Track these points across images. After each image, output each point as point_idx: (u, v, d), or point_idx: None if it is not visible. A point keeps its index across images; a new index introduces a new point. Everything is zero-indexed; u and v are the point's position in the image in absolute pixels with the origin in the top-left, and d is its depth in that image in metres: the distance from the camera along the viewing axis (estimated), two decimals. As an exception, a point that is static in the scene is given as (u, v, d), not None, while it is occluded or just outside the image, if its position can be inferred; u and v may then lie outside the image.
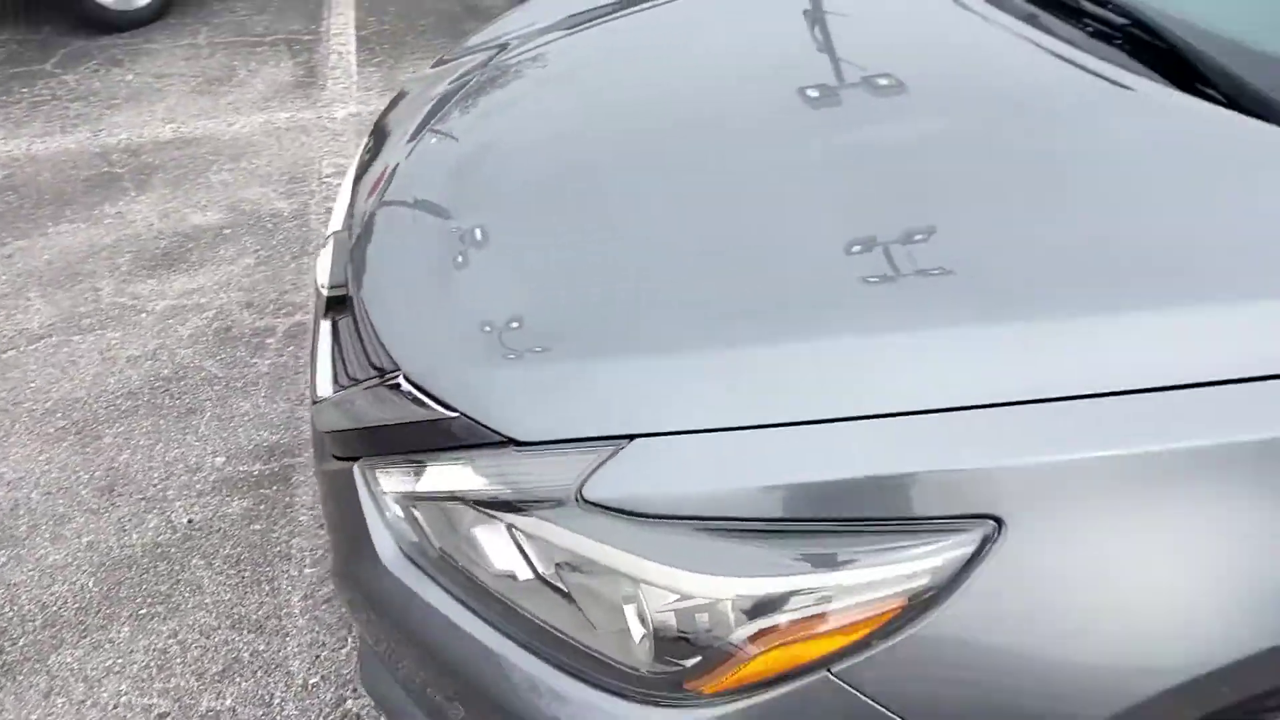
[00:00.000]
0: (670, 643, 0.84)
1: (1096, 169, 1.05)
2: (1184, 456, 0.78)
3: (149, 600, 1.75)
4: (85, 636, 1.69)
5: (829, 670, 0.81)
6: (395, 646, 1.13)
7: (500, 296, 1.11)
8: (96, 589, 1.77)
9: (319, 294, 1.39)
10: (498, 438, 0.96)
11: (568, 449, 0.91)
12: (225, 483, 2.00)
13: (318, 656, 1.65)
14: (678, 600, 0.83)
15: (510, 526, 0.95)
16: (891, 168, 1.12)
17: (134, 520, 1.91)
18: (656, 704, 0.86)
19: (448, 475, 1.01)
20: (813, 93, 1.31)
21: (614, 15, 1.72)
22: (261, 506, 1.94)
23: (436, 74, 1.82)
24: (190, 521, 1.91)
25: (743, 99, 1.35)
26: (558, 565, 0.92)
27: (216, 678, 1.61)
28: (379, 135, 1.68)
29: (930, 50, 1.38)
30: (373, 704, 1.54)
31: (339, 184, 3.12)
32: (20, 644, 1.68)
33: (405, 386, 1.08)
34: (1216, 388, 0.80)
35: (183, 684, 1.60)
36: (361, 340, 1.23)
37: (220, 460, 2.06)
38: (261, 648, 1.66)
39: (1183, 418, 0.79)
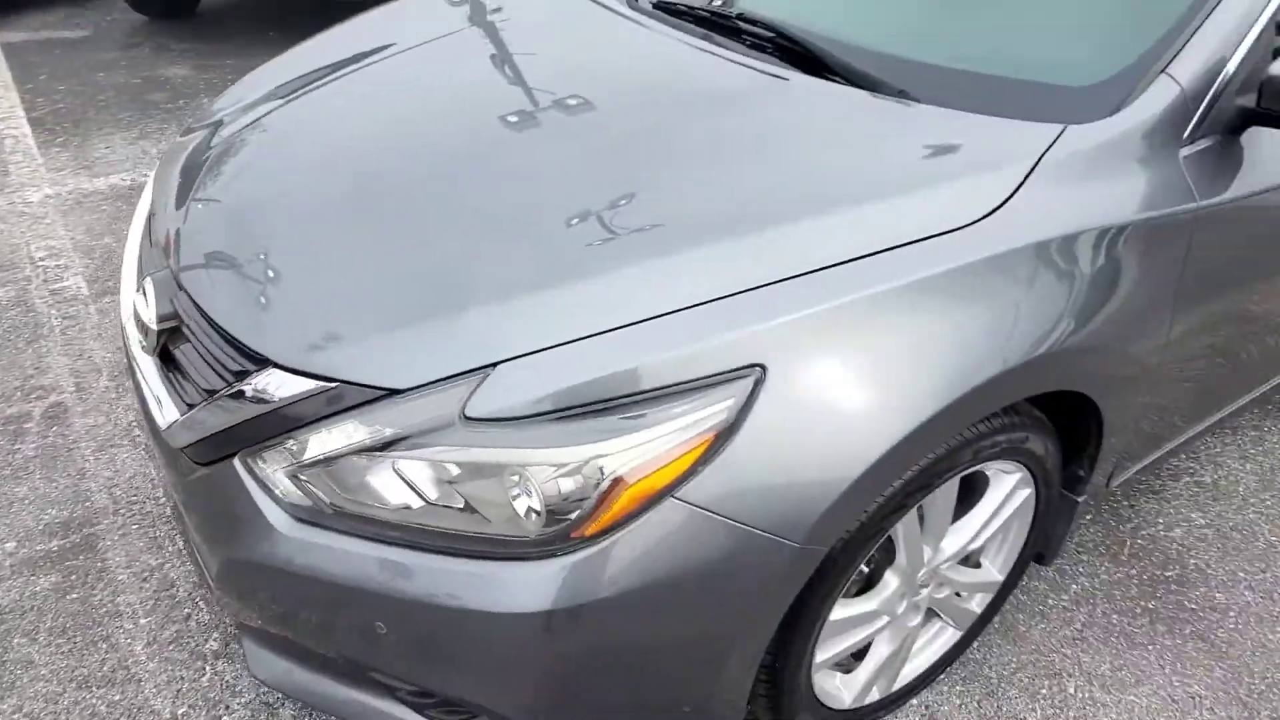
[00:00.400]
0: (556, 505, 1.12)
1: (770, 132, 1.48)
2: (862, 303, 1.19)
3: (-26, 688, 1.70)
4: (-90, 740, 1.61)
5: (673, 495, 1.13)
6: (303, 606, 1.29)
7: (335, 288, 1.33)
8: (-94, 694, 1.69)
9: (145, 332, 1.50)
10: (378, 392, 1.18)
11: (445, 385, 1.16)
12: (24, 564, 1.95)
13: (179, 690, 1.71)
14: (555, 471, 1.12)
15: (395, 464, 1.18)
16: (615, 156, 1.47)
17: (-74, 622, 1.82)
18: (554, 555, 1.14)
19: (333, 438, 1.21)
20: (542, 111, 1.65)
21: (336, 76, 1.94)
22: (73, 577, 1.92)
23: (187, 141, 1.92)
24: (-4, 608, 1.85)
25: (481, 126, 1.64)
26: (450, 482, 1.16)
27: (78, 735, 1.62)
28: (156, 196, 1.78)
29: (634, 64, 1.77)
30: (255, 700, 1.64)
31: (57, 265, 3.01)
32: None
33: (273, 378, 1.26)
34: (868, 259, 1.23)
35: (42, 750, 1.59)
36: (207, 358, 1.38)
37: (11, 545, 2.00)
38: (117, 697, 1.69)
39: (854, 280, 1.20)
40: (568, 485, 1.12)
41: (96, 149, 3.82)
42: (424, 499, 1.19)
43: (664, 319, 1.17)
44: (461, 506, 1.17)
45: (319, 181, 1.58)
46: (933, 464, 1.30)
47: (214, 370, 1.37)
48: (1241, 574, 2.02)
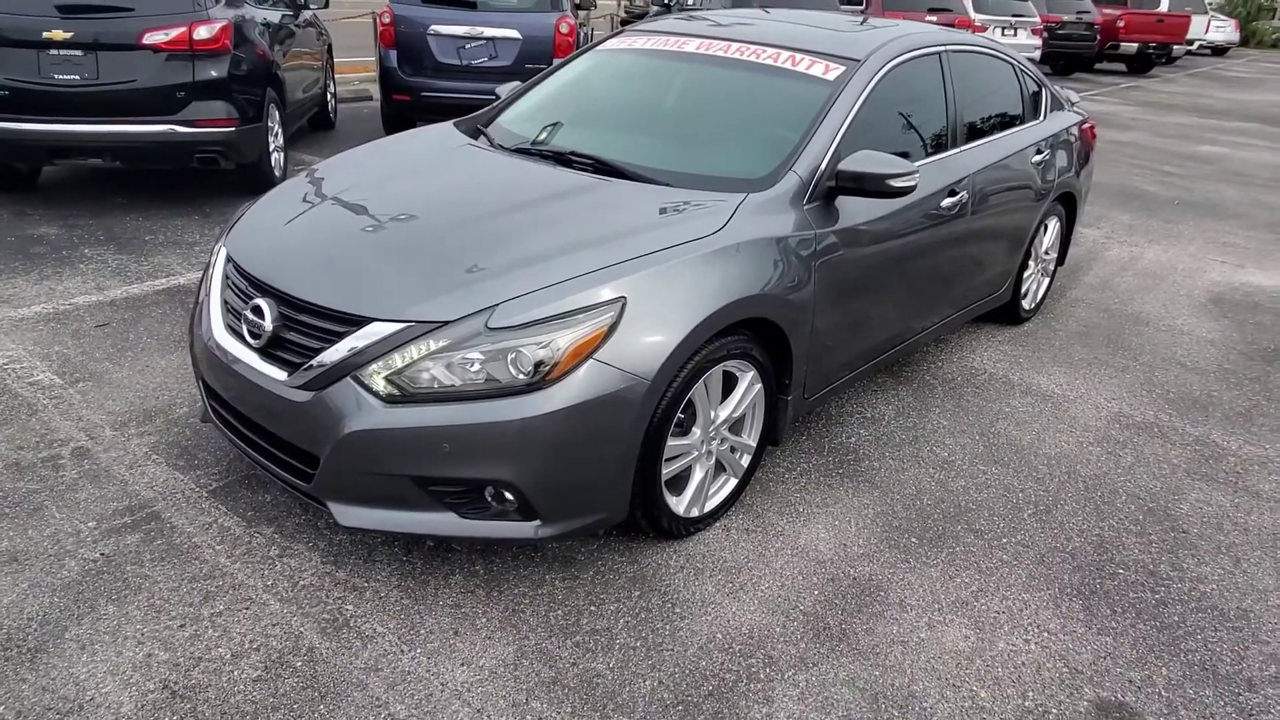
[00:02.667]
0: (539, 365, 2.32)
1: (600, 201, 2.83)
2: (663, 270, 2.53)
3: (119, 586, 2.51)
4: (115, 603, 2.41)
5: (592, 357, 2.37)
6: (396, 450, 2.35)
7: (393, 276, 2.48)
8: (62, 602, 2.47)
9: (256, 335, 2.53)
10: (436, 324, 2.35)
11: (472, 317, 2.35)
12: (109, 532, 2.76)
13: (261, 573, 2.61)
14: (541, 348, 2.33)
15: (446, 362, 2.33)
16: (518, 212, 2.76)
17: (51, 568, 2.60)
18: (538, 389, 2.32)
19: (408, 353, 2.34)
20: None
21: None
22: (152, 533, 2.77)
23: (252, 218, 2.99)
24: (103, 554, 2.66)
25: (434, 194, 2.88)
26: (482, 363, 2.33)
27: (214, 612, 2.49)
28: (244, 246, 2.82)
29: (499, 178, 3.08)
30: (319, 567, 2.60)
31: (22, 366, 3.74)
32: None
33: (371, 328, 2.38)
34: (663, 250, 2.58)
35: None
36: (309, 330, 2.46)
37: (91, 524, 2.80)
38: (219, 584, 2.57)
39: (657, 260, 2.54)
40: (541, 354, 2.33)
41: (4, 292, 4.52)
42: (461, 377, 2.34)
43: (574, 279, 2.44)
44: (486, 377, 2.33)
45: (360, 223, 2.74)
46: (705, 352, 2.62)
47: (316, 335, 2.45)
48: (889, 455, 3.49)
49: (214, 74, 5.60)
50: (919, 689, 2.37)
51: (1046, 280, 5.07)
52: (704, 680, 2.35)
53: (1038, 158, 4.43)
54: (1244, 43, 29.75)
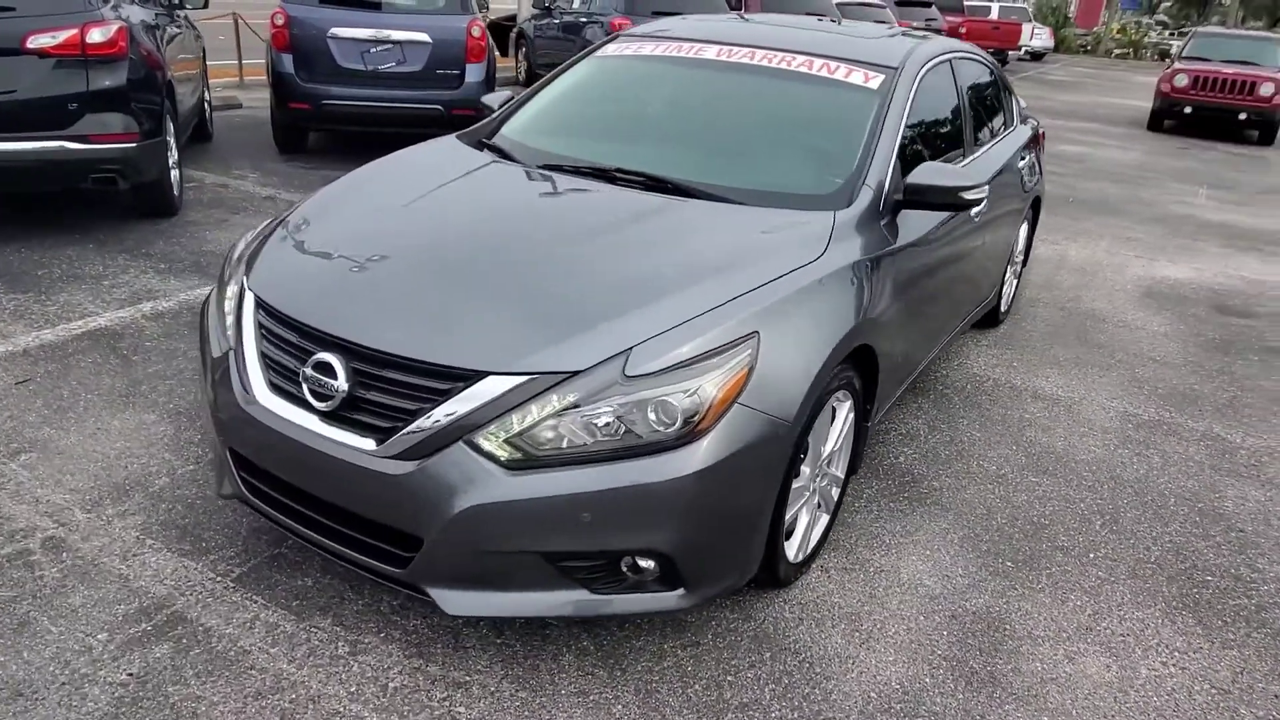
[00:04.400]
0: (690, 413, 2.04)
1: (673, 235, 2.56)
2: (786, 299, 2.31)
3: (168, 717, 2.04)
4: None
5: (738, 402, 2.11)
6: (522, 524, 2.01)
7: (506, 320, 2.14)
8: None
9: (325, 397, 2.12)
10: (563, 375, 2.03)
11: (605, 365, 2.04)
12: (129, 644, 2.27)
13: (332, 674, 2.20)
14: (688, 396, 2.05)
15: (578, 416, 2.01)
16: (627, 246, 2.47)
17: (71, 701, 2.09)
18: (688, 444, 2.04)
19: (533, 411, 2.01)
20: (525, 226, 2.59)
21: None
22: (183, 641, 2.29)
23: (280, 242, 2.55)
24: (131, 675, 2.17)
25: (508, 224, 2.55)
26: (619, 417, 2.03)
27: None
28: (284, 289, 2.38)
29: (588, 200, 2.77)
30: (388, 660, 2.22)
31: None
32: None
33: (485, 384, 2.03)
34: (781, 278, 2.35)
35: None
36: (399, 389, 2.09)
37: (103, 636, 2.29)
38: (289, 697, 2.14)
39: (778, 289, 2.31)
40: (688, 403, 2.06)
41: (-120, 343, 3.75)
42: (595, 435, 2.03)
43: (705, 315, 2.18)
44: (623, 432, 2.03)
45: (419, 257, 2.37)
46: (827, 385, 2.41)
47: (409, 394, 2.08)
48: (942, 473, 3.39)
49: (111, 82, 4.90)
50: (1092, 730, 2.26)
51: (1015, 282, 5.17)
52: (879, 749, 2.15)
53: (1022, 162, 4.49)
54: (1055, 48, 32.33)
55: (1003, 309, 4.94)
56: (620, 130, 3.33)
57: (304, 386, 2.20)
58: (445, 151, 3.27)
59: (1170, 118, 14.01)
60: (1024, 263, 5.28)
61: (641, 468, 2.03)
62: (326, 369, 2.16)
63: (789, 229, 2.61)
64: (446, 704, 2.17)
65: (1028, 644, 2.53)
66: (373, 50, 7.20)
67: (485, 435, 2.03)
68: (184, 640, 2.29)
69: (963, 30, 20.49)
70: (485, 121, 3.55)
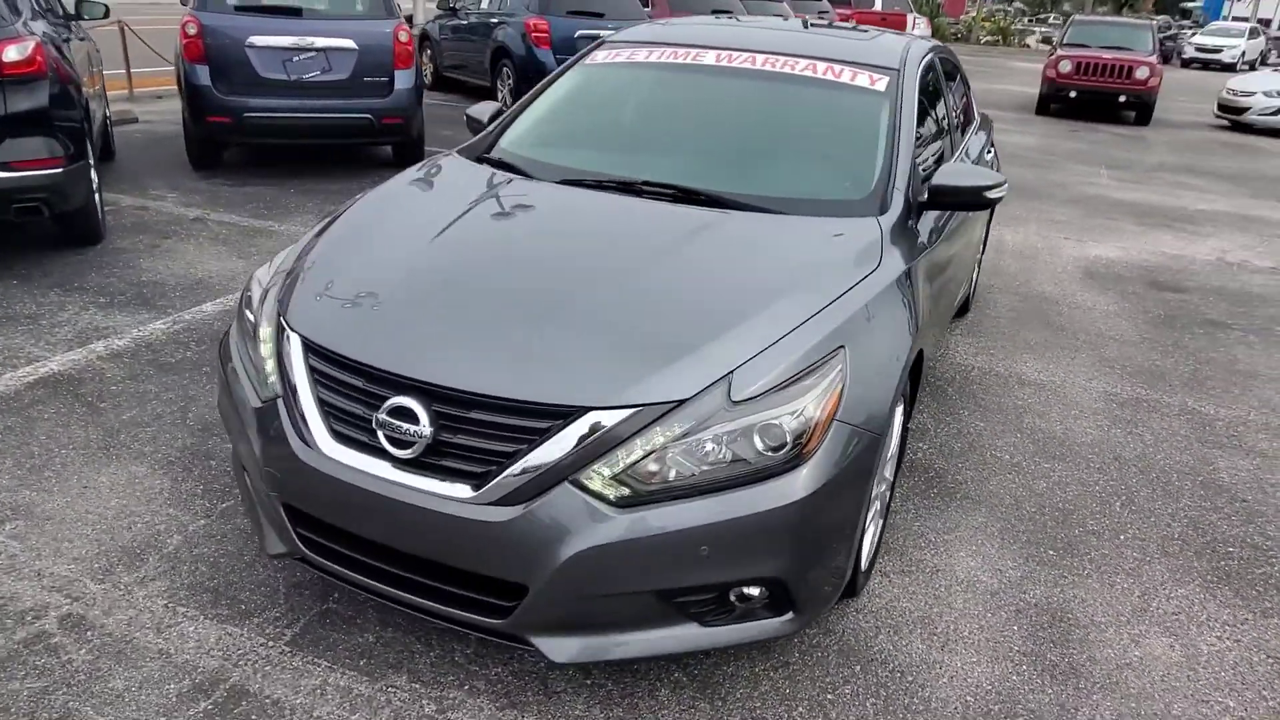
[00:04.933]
0: (797, 434, 1.99)
1: (733, 250, 2.51)
2: (862, 309, 2.28)
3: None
4: None
5: (838, 420, 2.08)
6: (636, 563, 1.93)
7: (599, 350, 2.04)
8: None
9: (405, 445, 1.98)
10: (669, 405, 1.95)
11: (709, 391, 1.98)
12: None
13: (434, 743, 2.07)
14: (794, 417, 2.00)
15: (685, 446, 1.94)
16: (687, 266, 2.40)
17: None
18: (796, 467, 1.99)
19: (640, 444, 1.93)
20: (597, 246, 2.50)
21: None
22: (252, 717, 2.11)
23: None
24: (206, 761, 1.99)
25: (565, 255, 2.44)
26: (727, 444, 1.96)
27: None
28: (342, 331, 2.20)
29: (621, 215, 2.68)
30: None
31: None
32: None
33: (587, 419, 1.93)
34: (853, 288, 2.33)
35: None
36: (489, 430, 1.97)
37: (161, 720, 2.09)
38: None
39: (851, 299, 2.29)
40: (795, 424, 2.01)
41: None
42: (703, 465, 1.96)
43: (795, 332, 2.14)
44: (731, 459, 1.97)
45: (477, 287, 2.26)
46: (901, 395, 2.41)
47: (502, 436, 1.96)
48: (962, 466, 3.45)
49: (31, 104, 4.49)
50: (1178, 710, 2.32)
51: (977, 269, 5.32)
52: (990, 753, 2.15)
53: (990, 154, 4.61)
54: (932, 37, 33.62)
55: (971, 296, 5.08)
56: (635, 140, 3.25)
57: (379, 434, 2.04)
58: (456, 171, 3.12)
59: (1056, 101, 14.74)
60: (983, 250, 5.45)
61: (754, 496, 1.97)
62: (405, 414, 2.01)
63: (843, 239, 2.59)
64: (556, 756, 2.07)
65: (1093, 631, 2.59)
66: (295, 59, 6.86)
67: (591, 474, 1.93)
68: (253, 716, 2.11)
69: (853, 22, 21.04)
70: (482, 135, 3.40)
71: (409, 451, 2.02)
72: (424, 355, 2.09)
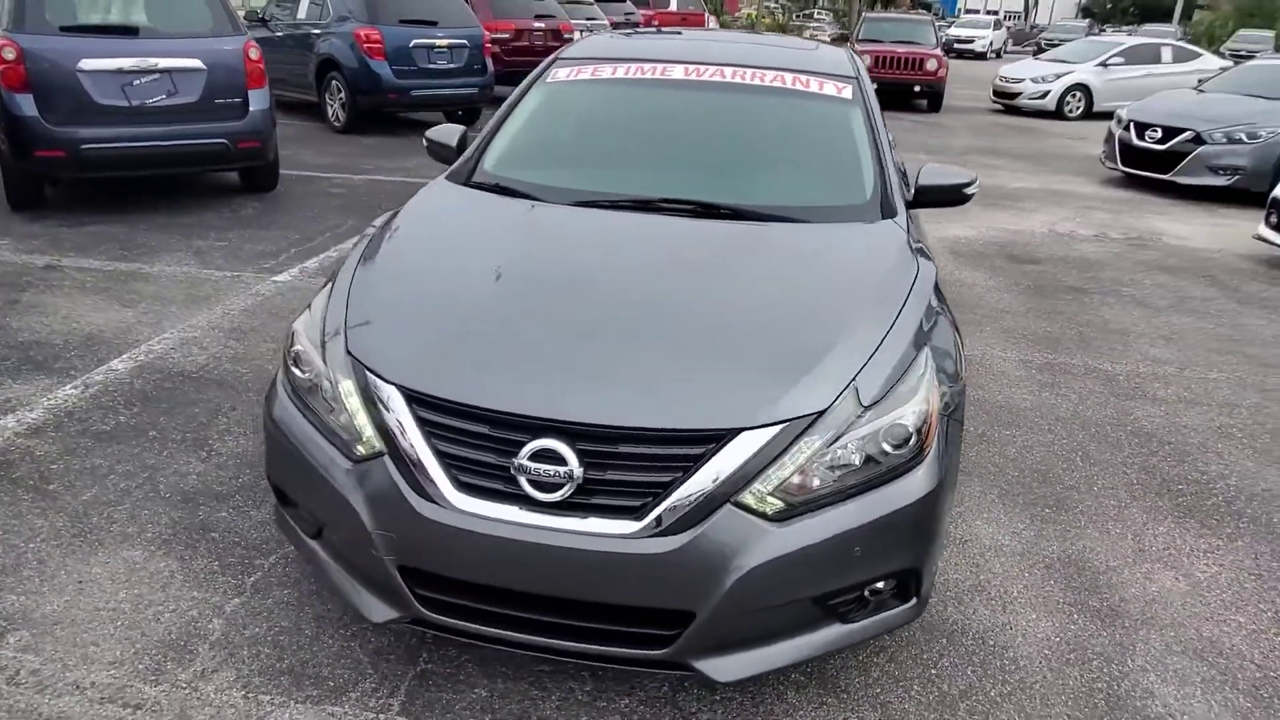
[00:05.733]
0: (918, 431, 2.12)
1: (785, 261, 2.62)
2: (925, 314, 2.45)
3: None
4: None
5: (946, 416, 2.23)
6: (794, 574, 1.98)
7: (732, 373, 2.08)
8: None
9: (553, 488, 1.94)
10: (811, 417, 2.03)
11: (843, 399, 2.07)
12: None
13: None
14: (915, 415, 2.12)
15: (829, 454, 2.02)
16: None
17: None
18: (920, 463, 2.12)
19: (792, 458, 1.99)
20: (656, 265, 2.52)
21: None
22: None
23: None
24: None
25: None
26: (860, 449, 2.06)
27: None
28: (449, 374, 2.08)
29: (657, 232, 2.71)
30: None
31: None
32: None
33: (739, 441, 1.97)
34: (912, 296, 2.49)
35: None
36: (642, 463, 1.97)
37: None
38: None
39: (914, 307, 2.45)
40: (915, 422, 2.14)
41: None
42: (842, 470, 2.05)
43: (891, 335, 2.26)
44: (864, 461, 2.07)
45: (568, 317, 2.26)
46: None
47: (654, 466, 1.97)
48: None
49: None
50: (1206, 632, 2.66)
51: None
52: (1100, 697, 2.38)
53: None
54: (719, 34, 35.13)
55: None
56: (636, 157, 3.26)
57: (520, 480, 1.98)
58: (467, 200, 3.01)
59: (858, 93, 15.85)
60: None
61: (890, 492, 2.08)
62: (550, 457, 1.97)
63: (880, 245, 2.75)
64: (724, 775, 2.09)
65: (1114, 575, 2.91)
66: (136, 82, 6.26)
67: (750, 493, 1.97)
68: (403, 795, 1.99)
69: (655, 22, 21.61)
70: (464, 160, 3.29)
71: (558, 494, 1.97)
72: (557, 394, 2.04)
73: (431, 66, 10.58)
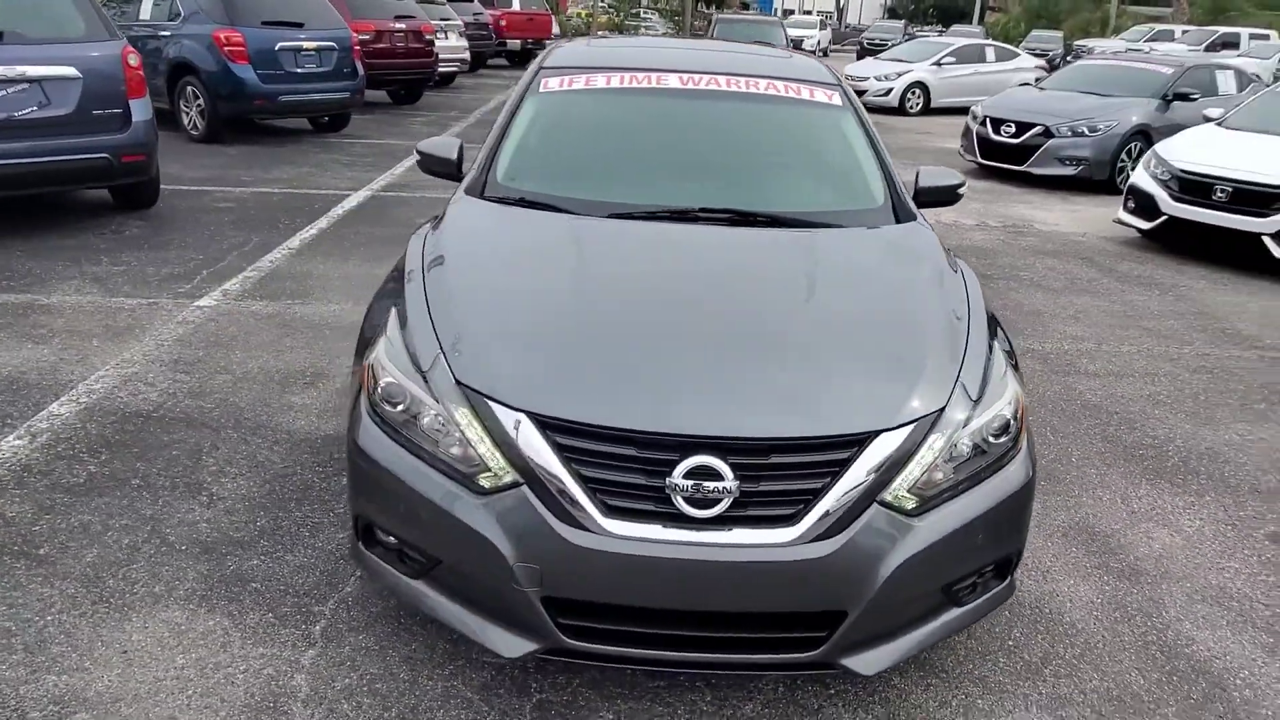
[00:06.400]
0: (1016, 419, 2.26)
1: (849, 266, 2.73)
2: (980, 316, 2.61)
3: None
4: None
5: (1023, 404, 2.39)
6: (931, 570, 2.08)
7: (815, 371, 2.15)
8: None
9: (706, 503, 1.96)
10: (935, 414, 2.13)
11: (956, 395, 2.19)
12: None
13: None
14: (1010, 405, 2.27)
15: (949, 448, 2.14)
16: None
17: None
18: (1018, 447, 2.27)
19: (924, 454, 2.09)
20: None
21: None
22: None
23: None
24: None
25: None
26: (973, 440, 2.19)
27: None
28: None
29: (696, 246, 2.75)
30: None
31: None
32: None
33: (878, 442, 2.05)
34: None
35: None
36: (789, 472, 2.02)
37: None
38: None
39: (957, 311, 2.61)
40: (1012, 412, 2.28)
41: None
42: (960, 461, 2.16)
43: (973, 333, 2.40)
44: (975, 452, 2.20)
45: (679, 332, 2.30)
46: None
47: (801, 474, 2.02)
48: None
49: None
50: (1213, 580, 2.97)
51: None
52: (1155, 649, 2.62)
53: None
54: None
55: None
56: (656, 168, 3.25)
57: (675, 499, 1.98)
58: (503, 216, 2.94)
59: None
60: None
61: (1000, 480, 2.21)
62: (705, 473, 1.97)
63: (924, 248, 2.90)
64: (870, 765, 2.17)
65: (1121, 536, 3.20)
66: (3, 94, 5.63)
67: (890, 492, 2.06)
68: (574, 830, 1.95)
69: (504, 22, 21.36)
70: (477, 174, 3.18)
71: (714, 509, 1.98)
72: (703, 410, 2.05)
73: (299, 70, 10.06)
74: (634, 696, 2.33)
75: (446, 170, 3.35)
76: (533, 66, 3.72)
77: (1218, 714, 2.40)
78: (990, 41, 18.60)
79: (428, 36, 13.68)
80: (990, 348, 2.43)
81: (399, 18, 13.28)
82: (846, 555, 2.01)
